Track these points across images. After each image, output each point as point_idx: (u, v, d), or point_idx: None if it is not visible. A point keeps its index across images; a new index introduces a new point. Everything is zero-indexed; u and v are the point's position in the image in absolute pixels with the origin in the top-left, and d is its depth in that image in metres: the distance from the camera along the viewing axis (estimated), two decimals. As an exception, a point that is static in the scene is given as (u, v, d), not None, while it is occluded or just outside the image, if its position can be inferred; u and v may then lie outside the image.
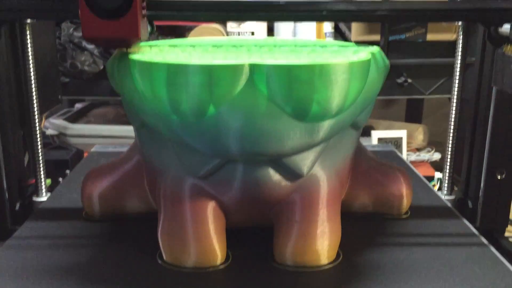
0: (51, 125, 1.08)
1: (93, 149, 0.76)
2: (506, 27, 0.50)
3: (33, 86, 0.57)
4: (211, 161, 0.45)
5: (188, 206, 0.47)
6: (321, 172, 0.48)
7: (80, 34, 0.95)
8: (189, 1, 0.47)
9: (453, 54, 0.97)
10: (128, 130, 1.03)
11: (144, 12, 0.42)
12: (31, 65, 0.57)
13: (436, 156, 1.28)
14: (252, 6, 0.48)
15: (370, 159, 0.57)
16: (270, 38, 0.52)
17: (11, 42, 0.55)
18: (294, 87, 0.40)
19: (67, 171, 0.72)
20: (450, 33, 1.00)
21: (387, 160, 0.66)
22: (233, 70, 0.39)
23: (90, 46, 0.96)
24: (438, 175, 0.68)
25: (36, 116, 0.58)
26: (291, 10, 0.50)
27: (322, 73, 0.40)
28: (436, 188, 0.67)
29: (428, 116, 1.45)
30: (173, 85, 0.40)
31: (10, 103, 0.55)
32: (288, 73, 0.40)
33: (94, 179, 0.54)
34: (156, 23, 0.50)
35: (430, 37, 1.02)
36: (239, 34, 0.95)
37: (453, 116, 0.62)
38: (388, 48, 0.96)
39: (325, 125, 0.43)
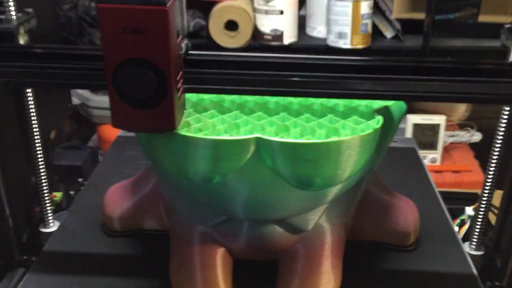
0: (75, 94, 1.07)
1: (119, 134, 0.77)
2: None
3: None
4: (219, 216, 0.49)
5: (198, 251, 0.50)
6: (326, 223, 0.51)
7: (98, 5, 0.91)
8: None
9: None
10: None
11: (180, 92, 0.39)
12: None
13: (477, 136, 1.20)
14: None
15: (379, 190, 0.57)
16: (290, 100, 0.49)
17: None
18: (299, 164, 0.42)
19: (80, 179, 0.71)
20: (506, 15, 0.90)
21: (405, 160, 0.66)
22: (240, 145, 0.41)
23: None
24: (469, 211, 0.64)
25: (39, 147, 0.56)
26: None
27: (328, 151, 0.41)
28: (462, 232, 0.63)
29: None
30: (180, 154, 0.42)
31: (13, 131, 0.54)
32: (294, 150, 0.41)
33: (114, 201, 0.58)
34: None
35: (483, 18, 0.92)
36: (266, 13, 0.89)
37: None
38: (433, 28, 0.88)
39: (331, 191, 0.45)
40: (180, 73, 0.38)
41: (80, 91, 1.08)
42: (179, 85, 0.38)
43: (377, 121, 0.45)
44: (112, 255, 0.55)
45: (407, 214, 0.56)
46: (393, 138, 0.49)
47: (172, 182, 0.49)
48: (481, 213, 0.57)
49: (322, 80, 0.39)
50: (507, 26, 0.48)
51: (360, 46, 0.90)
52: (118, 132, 0.76)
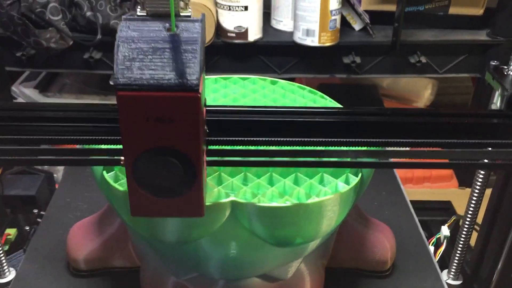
0: (22, 94, 1.00)
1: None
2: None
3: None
4: (193, 271, 0.47)
5: None
6: (305, 268, 0.50)
7: (42, 1, 0.83)
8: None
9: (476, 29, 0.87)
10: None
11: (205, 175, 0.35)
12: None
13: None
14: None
15: (356, 220, 0.57)
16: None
17: None
18: (278, 227, 0.40)
19: (35, 211, 0.66)
20: (477, 7, 0.88)
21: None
22: (214, 210, 0.39)
23: (56, 18, 0.84)
24: (445, 230, 0.63)
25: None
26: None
27: (308, 212, 0.40)
28: (438, 254, 0.62)
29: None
30: (151, 220, 0.40)
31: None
32: (272, 214, 0.40)
33: (79, 242, 0.55)
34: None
35: (453, 10, 0.90)
36: (229, 9, 0.83)
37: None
38: (403, 20, 0.85)
39: (313, 244, 0.45)
40: (204, 156, 0.34)
41: (26, 90, 1.01)
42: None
43: (356, 172, 0.43)
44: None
45: (383, 243, 0.56)
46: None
47: (141, 237, 0.47)
48: (461, 245, 0.57)
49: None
50: (492, 63, 0.46)
51: (328, 44, 0.86)
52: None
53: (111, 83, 0.30)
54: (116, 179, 0.42)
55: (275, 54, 0.91)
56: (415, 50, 0.92)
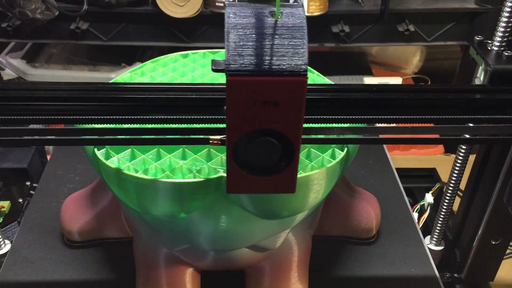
0: (8, 64, 0.99)
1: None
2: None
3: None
4: (184, 244, 0.49)
5: (164, 274, 0.50)
6: (293, 238, 0.51)
7: (26, -30, 0.81)
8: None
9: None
10: (99, 78, 0.95)
11: None
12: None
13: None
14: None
15: (342, 190, 0.59)
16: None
17: None
18: (265, 201, 0.41)
19: (27, 183, 0.67)
20: (465, -25, 0.88)
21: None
22: (205, 185, 0.40)
23: (41, -12, 0.82)
24: (429, 197, 0.65)
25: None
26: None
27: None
28: (421, 221, 0.64)
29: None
30: (142, 196, 0.41)
31: None
32: None
33: (72, 215, 0.56)
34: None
35: (441, -23, 0.89)
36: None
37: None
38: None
39: (300, 215, 0.46)
40: None
41: (13, 61, 1.00)
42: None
43: (342, 146, 0.44)
44: (76, 275, 0.54)
45: (369, 212, 0.58)
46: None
47: (133, 211, 0.48)
48: (443, 211, 0.59)
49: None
50: (477, 38, 0.46)
51: (317, 13, 0.86)
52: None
53: (214, 67, 0.30)
54: (108, 156, 0.43)
55: (263, 23, 0.90)
56: (404, 19, 0.92)
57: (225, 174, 0.39)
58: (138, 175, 0.40)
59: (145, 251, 0.51)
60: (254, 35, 0.30)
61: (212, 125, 0.37)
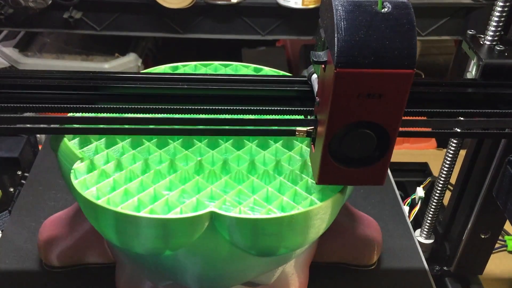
0: (1, 54, 0.98)
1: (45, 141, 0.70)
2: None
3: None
4: (169, 280, 0.45)
5: None
6: (290, 269, 0.48)
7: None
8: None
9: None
10: (92, 67, 0.94)
11: None
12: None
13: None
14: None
15: (343, 215, 0.53)
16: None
17: None
18: (260, 238, 0.38)
19: (18, 172, 0.66)
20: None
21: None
22: (192, 222, 0.37)
23: (34, -24, 0.82)
24: (420, 191, 0.65)
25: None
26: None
27: (293, 223, 0.37)
28: (412, 214, 0.65)
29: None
30: (123, 232, 0.38)
31: None
32: (254, 226, 0.37)
33: (51, 240, 0.51)
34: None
35: (437, -29, 0.89)
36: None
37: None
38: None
39: (297, 252, 0.43)
40: None
41: (6, 50, 0.99)
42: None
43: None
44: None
45: (371, 240, 0.54)
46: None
47: (115, 245, 0.44)
48: (434, 204, 0.59)
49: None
50: (470, 32, 0.46)
51: (312, 6, 0.86)
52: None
53: (315, 59, 0.29)
54: (86, 186, 0.39)
55: (258, 15, 0.90)
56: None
57: (215, 209, 0.37)
58: (118, 209, 0.36)
59: (128, 283, 0.48)
60: (362, 27, 0.30)
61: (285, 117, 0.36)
